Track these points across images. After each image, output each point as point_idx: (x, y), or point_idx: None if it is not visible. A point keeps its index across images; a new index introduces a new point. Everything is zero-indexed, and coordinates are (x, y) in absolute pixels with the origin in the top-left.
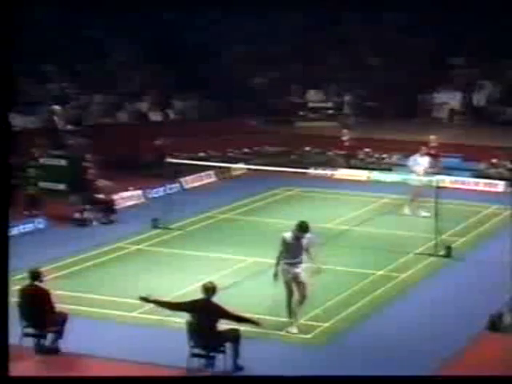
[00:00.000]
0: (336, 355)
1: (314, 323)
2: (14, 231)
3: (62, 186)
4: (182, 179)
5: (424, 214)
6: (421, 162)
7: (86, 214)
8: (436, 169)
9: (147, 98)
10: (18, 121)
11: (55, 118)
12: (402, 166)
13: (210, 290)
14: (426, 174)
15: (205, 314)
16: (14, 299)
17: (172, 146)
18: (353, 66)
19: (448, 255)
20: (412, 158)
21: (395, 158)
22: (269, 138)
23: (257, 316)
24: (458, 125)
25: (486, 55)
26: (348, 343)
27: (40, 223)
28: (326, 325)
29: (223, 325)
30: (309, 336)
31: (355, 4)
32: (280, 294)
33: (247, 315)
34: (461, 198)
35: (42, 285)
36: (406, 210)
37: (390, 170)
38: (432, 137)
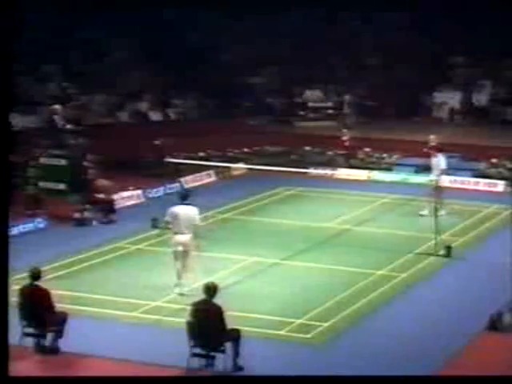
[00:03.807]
0: (336, 355)
1: (314, 323)
2: (14, 231)
3: (62, 186)
4: (182, 179)
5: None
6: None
7: (86, 214)
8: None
9: (147, 98)
10: (17, 121)
11: (55, 117)
12: (403, 166)
13: (211, 289)
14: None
15: (205, 314)
16: (14, 299)
17: (172, 146)
18: (353, 65)
19: (448, 255)
20: (443, 159)
21: (395, 157)
22: (269, 138)
23: (257, 315)
24: (458, 124)
25: (486, 55)
26: (348, 343)
27: (40, 223)
28: (326, 325)
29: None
30: (309, 336)
31: (355, 4)
32: (281, 294)
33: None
34: (461, 197)
35: (41, 285)
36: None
37: (390, 169)
38: (432, 136)
